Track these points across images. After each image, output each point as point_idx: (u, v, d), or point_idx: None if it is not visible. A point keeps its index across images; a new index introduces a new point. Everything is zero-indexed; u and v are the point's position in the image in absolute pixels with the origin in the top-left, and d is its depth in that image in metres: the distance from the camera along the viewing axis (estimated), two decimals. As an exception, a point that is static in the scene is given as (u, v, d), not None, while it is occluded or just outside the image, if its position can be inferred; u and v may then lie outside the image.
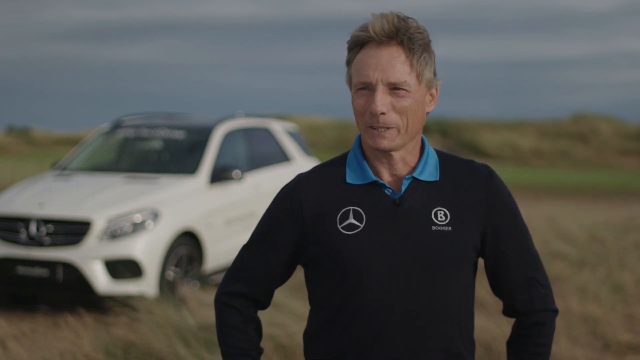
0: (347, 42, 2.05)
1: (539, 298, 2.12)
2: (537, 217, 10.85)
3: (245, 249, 2.18)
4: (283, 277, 2.17)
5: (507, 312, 2.17)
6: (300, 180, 2.13)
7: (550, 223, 10.38)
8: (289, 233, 2.10)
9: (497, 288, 2.15)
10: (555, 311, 2.14)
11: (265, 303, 2.19)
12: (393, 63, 1.99)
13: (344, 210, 2.06)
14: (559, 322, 5.92)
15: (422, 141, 2.13)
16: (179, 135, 8.51)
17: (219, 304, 2.17)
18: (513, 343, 2.16)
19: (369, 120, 2.01)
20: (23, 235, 7.19)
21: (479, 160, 2.16)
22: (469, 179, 2.09)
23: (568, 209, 12.52)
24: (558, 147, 29.56)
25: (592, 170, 26.53)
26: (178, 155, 8.41)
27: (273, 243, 2.12)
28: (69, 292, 7.23)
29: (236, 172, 8.15)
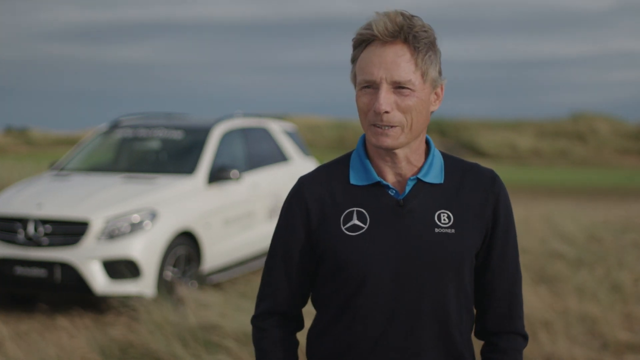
0: (352, 40, 2.03)
1: (519, 319, 2.12)
2: (536, 216, 10.85)
3: (266, 264, 2.16)
4: (307, 284, 2.14)
5: (482, 330, 2.14)
6: (304, 182, 2.11)
7: (549, 222, 10.38)
8: (301, 237, 2.08)
9: (477, 300, 2.13)
10: (527, 338, 2.14)
11: (295, 316, 2.18)
12: (398, 61, 1.96)
13: (347, 211, 2.05)
14: (559, 321, 5.91)
15: (429, 143, 2.12)
16: (177, 135, 8.50)
17: (253, 329, 2.18)
18: None
19: (373, 119, 1.99)
20: (21, 236, 7.18)
21: (477, 159, 2.14)
22: (473, 183, 2.08)
23: (566, 208, 12.52)
24: (557, 147, 29.60)
25: (590, 169, 26.54)
26: (176, 155, 8.40)
27: (288, 251, 2.11)
28: (66, 293, 7.21)
29: (234, 172, 8.14)
